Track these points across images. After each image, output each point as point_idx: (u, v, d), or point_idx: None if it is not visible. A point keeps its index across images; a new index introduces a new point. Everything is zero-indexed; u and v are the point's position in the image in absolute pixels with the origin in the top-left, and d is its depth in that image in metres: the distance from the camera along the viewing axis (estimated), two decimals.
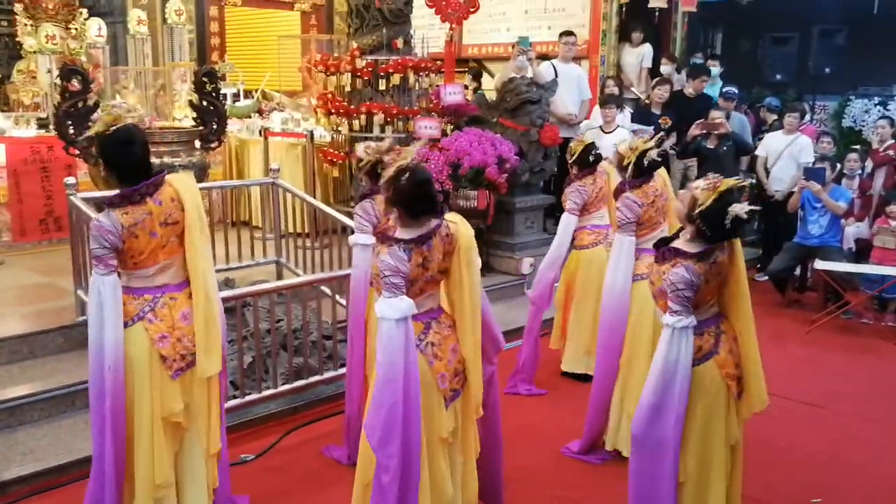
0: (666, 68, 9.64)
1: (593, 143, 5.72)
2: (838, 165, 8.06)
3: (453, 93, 8.00)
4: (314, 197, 7.03)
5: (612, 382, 4.61)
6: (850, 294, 7.45)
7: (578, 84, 8.88)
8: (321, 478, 4.51)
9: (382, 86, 7.76)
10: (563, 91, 8.47)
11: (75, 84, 5.83)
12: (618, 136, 7.89)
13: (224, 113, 6.60)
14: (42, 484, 4.32)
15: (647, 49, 9.89)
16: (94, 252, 3.44)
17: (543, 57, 8.93)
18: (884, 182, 8.18)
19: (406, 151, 3.45)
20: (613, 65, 9.78)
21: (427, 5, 8.38)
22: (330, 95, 7.94)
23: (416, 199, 3.23)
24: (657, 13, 10.01)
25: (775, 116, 9.36)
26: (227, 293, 4.67)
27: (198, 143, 6.51)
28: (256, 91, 10.62)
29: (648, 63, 9.87)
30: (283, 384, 5.17)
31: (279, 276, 6.60)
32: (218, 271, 5.29)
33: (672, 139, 8.52)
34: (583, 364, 5.75)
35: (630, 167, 4.70)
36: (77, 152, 6.01)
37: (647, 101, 9.11)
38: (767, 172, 8.63)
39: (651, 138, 4.86)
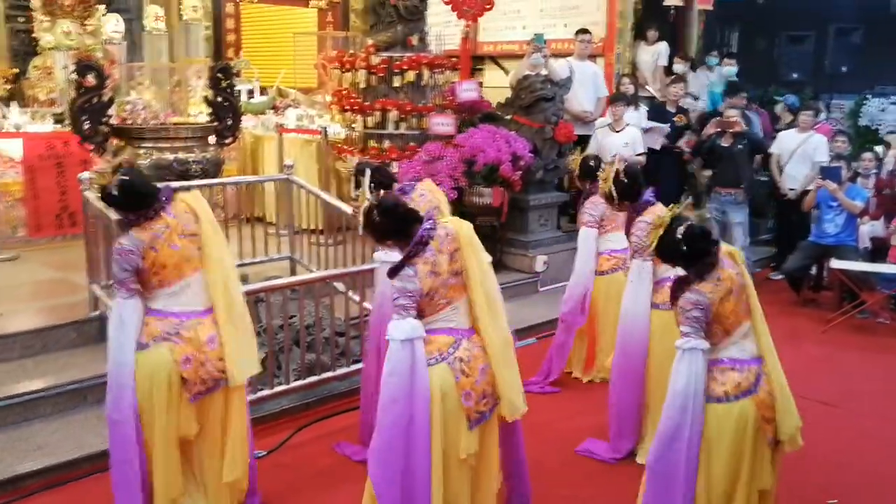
0: (679, 67, 9.57)
1: (587, 154, 5.73)
2: (853, 164, 7.99)
3: (468, 89, 8.00)
4: (328, 193, 7.02)
5: (632, 398, 4.61)
6: (866, 293, 7.39)
7: (594, 81, 8.83)
8: (333, 474, 4.51)
9: (397, 82, 7.78)
10: (578, 88, 8.44)
11: (90, 80, 5.88)
12: (627, 135, 7.89)
13: (239, 109, 6.63)
14: (54, 478, 4.34)
15: (662, 47, 9.82)
16: (117, 276, 3.54)
17: (559, 55, 8.90)
18: None
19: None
20: (629, 63, 9.73)
21: (444, 2, 8.38)
22: (345, 92, 7.95)
23: (394, 222, 3.36)
24: (673, 11, 9.96)
25: (792, 116, 9.27)
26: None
27: (212, 139, 6.53)
28: (272, 88, 10.63)
29: (664, 61, 9.80)
30: (296, 380, 5.18)
31: (292, 273, 6.62)
32: None
33: (686, 137, 8.48)
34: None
35: (612, 193, 4.65)
36: (92, 147, 6.04)
37: (662, 100, 9.06)
38: (781, 171, 8.56)
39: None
